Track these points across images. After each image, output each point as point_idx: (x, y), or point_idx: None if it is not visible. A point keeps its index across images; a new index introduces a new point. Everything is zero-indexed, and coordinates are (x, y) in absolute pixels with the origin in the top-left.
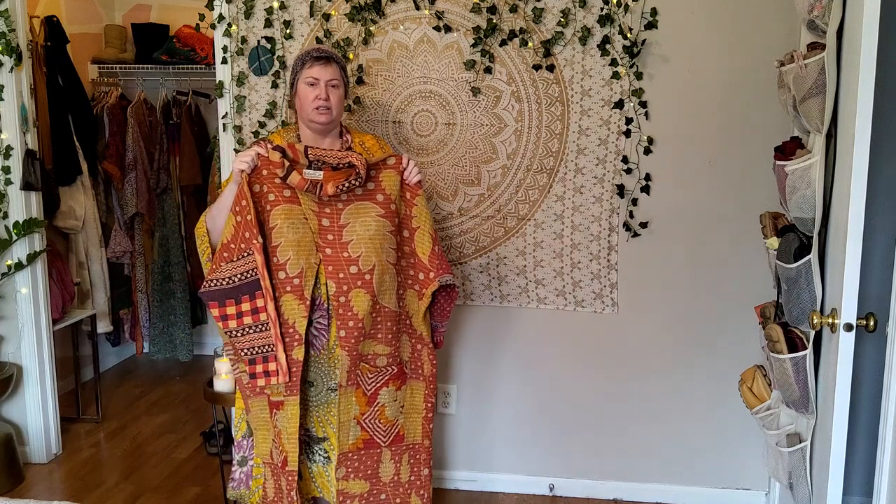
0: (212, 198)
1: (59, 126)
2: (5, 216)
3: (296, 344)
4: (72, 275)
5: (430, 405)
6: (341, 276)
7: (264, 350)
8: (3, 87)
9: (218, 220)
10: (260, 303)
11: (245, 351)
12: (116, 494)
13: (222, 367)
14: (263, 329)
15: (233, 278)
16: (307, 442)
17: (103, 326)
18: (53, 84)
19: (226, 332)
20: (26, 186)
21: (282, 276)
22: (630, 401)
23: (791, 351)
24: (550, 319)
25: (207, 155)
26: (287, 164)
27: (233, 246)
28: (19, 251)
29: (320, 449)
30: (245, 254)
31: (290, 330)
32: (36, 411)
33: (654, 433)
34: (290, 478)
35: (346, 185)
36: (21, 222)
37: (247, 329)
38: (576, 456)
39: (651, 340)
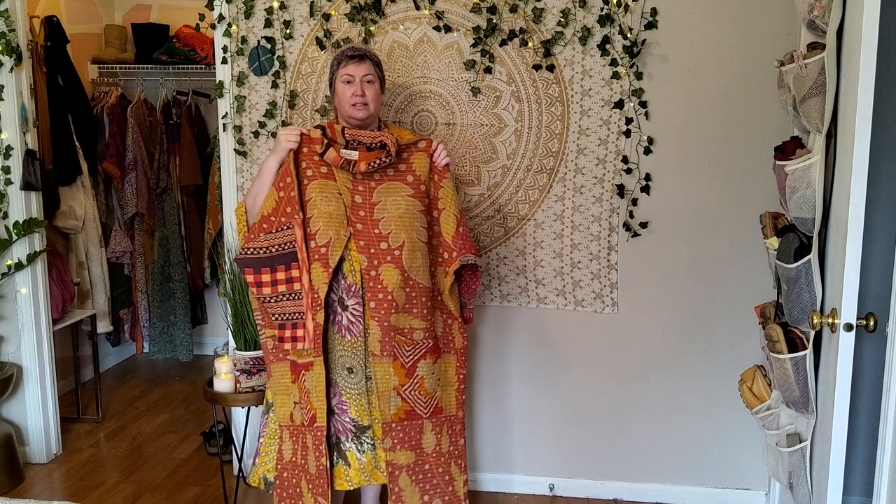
0: (212, 197)
1: (59, 126)
2: (5, 216)
3: (318, 308)
4: (72, 275)
5: (461, 377)
6: (372, 251)
7: (294, 317)
8: (3, 87)
9: (258, 199)
10: (295, 273)
11: (276, 316)
12: (116, 494)
13: (222, 366)
14: (296, 298)
15: (270, 248)
16: (355, 432)
17: (103, 326)
18: (53, 84)
19: (258, 298)
20: (26, 186)
21: (311, 245)
22: (630, 401)
23: (791, 351)
24: (550, 319)
25: (207, 155)
26: (326, 141)
27: (272, 218)
28: (19, 251)
29: (367, 438)
30: (285, 227)
31: (315, 296)
32: (36, 411)
33: (654, 433)
34: (318, 433)
35: (378, 162)
36: (21, 222)
37: (280, 296)
38: (576, 456)
39: (651, 340)
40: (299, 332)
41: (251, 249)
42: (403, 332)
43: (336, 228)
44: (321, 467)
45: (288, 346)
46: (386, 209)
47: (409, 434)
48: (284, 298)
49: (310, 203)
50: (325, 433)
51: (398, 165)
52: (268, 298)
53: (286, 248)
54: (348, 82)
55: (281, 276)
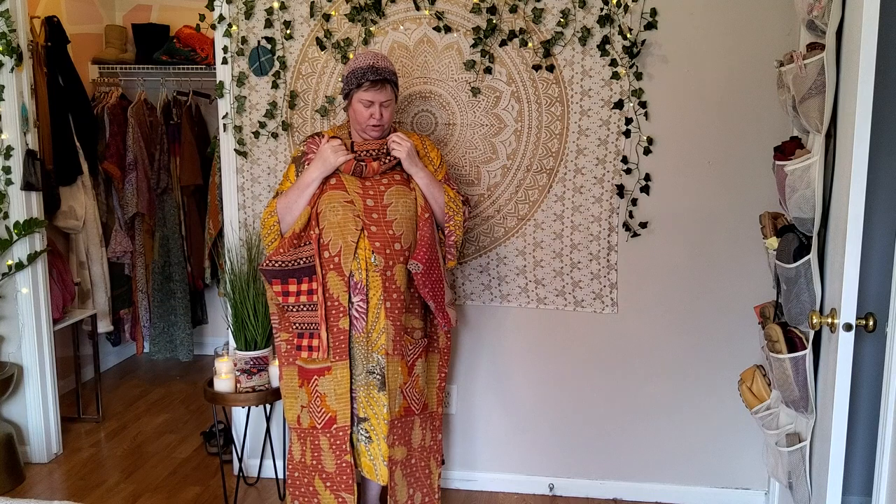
0: (212, 197)
1: (60, 126)
2: (6, 216)
3: (341, 315)
4: (72, 275)
5: (443, 375)
6: (388, 251)
7: (311, 327)
8: (3, 87)
9: (294, 209)
10: (314, 286)
11: (297, 325)
12: (117, 494)
13: (222, 366)
14: (313, 309)
15: (298, 261)
16: (357, 421)
17: (104, 326)
18: (54, 84)
19: (284, 306)
20: (27, 186)
21: (326, 255)
22: (630, 400)
23: (790, 351)
24: (550, 319)
25: (208, 155)
26: None
27: (302, 234)
28: (20, 251)
29: (362, 429)
30: (308, 242)
31: (336, 303)
32: (36, 411)
33: (654, 433)
34: (341, 433)
35: (388, 160)
36: (21, 222)
37: (301, 306)
38: (576, 456)
39: (651, 340)
40: (315, 343)
41: (278, 262)
42: (408, 332)
43: (343, 236)
44: (343, 464)
45: (304, 354)
46: (398, 211)
47: (404, 430)
48: (305, 309)
49: (321, 216)
50: (347, 433)
51: (404, 173)
52: (291, 307)
53: (309, 261)
54: (367, 106)
55: (304, 287)
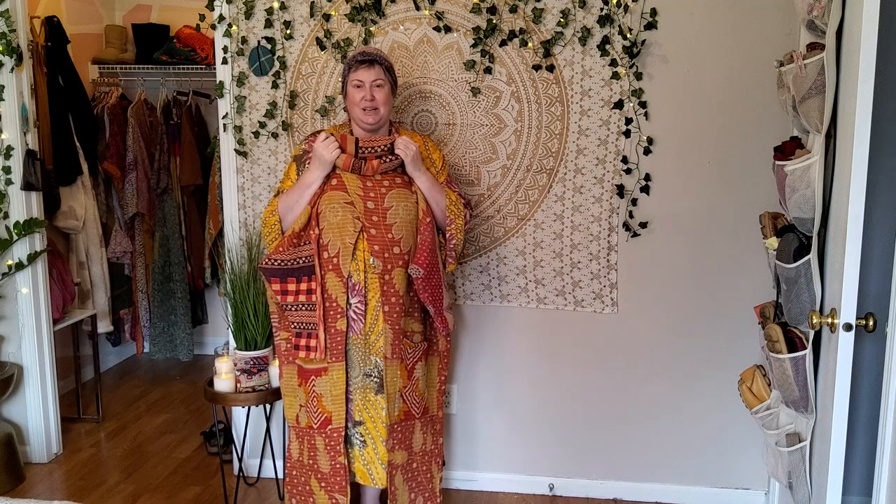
0: (212, 197)
1: (60, 126)
2: (6, 216)
3: (339, 316)
4: (72, 275)
5: (442, 378)
6: (386, 255)
7: (309, 327)
8: (3, 87)
9: (295, 209)
10: (313, 285)
11: (295, 324)
12: (117, 494)
13: (223, 366)
14: (312, 309)
15: (297, 260)
16: (351, 424)
17: (104, 326)
18: (54, 84)
19: (283, 305)
20: (27, 186)
21: (325, 256)
22: (630, 400)
23: (790, 351)
24: (550, 319)
25: (208, 155)
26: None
27: (302, 233)
28: (20, 251)
29: (356, 433)
30: (308, 241)
31: (334, 304)
32: (36, 411)
33: (654, 433)
34: (335, 434)
35: (388, 160)
36: (21, 222)
37: (300, 306)
38: (576, 456)
39: (650, 340)
40: (312, 343)
41: (278, 261)
42: (408, 335)
43: (342, 237)
44: (337, 465)
45: (302, 354)
46: (398, 214)
47: (405, 434)
48: (304, 308)
49: (320, 216)
50: (342, 435)
51: (405, 175)
52: (289, 306)
53: (309, 260)
54: (358, 87)
55: (303, 286)
